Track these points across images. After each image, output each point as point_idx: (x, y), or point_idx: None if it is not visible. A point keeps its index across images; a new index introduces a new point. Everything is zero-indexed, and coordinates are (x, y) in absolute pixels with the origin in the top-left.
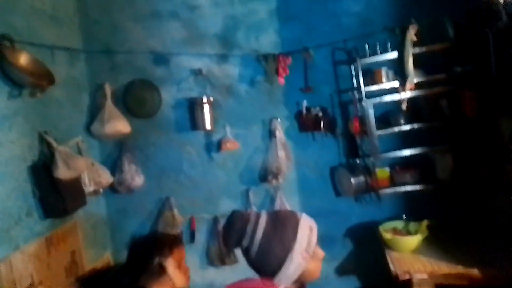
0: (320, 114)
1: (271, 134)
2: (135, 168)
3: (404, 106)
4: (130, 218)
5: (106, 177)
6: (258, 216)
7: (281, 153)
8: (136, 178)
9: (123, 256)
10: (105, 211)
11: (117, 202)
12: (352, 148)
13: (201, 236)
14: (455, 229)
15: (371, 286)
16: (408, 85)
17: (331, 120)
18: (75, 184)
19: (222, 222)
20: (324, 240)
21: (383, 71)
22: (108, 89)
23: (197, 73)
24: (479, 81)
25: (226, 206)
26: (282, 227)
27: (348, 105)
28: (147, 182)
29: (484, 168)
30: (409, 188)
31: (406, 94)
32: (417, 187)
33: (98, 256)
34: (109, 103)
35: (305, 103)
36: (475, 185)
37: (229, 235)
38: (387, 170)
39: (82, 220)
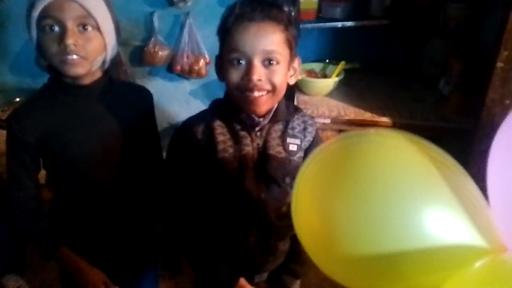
0: None
1: None
2: None
3: None
4: (11, 35)
5: None
6: None
7: None
8: None
9: (5, 78)
10: None
11: None
12: None
13: None
14: (379, 74)
15: None
16: None
17: None
18: None
19: None
20: None
21: None
22: None
23: None
24: None
25: (125, 32)
26: None
27: None
28: None
29: (422, 5)
30: (338, 24)
31: None
32: (347, 23)
33: None
34: None
35: None
36: (410, 26)
37: None
38: (314, 0)
39: None
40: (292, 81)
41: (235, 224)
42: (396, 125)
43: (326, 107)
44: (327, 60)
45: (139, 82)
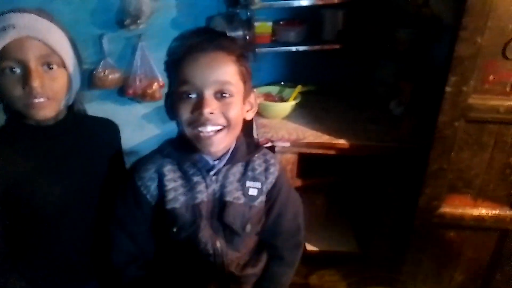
0: None
1: None
2: None
3: None
4: None
5: None
6: None
7: None
8: None
9: None
10: None
11: None
12: None
13: None
14: (333, 96)
15: None
16: None
17: None
18: None
19: None
20: None
21: None
22: None
23: None
24: None
25: None
26: None
27: None
28: None
29: (372, 30)
30: (292, 48)
31: None
32: (301, 47)
33: None
34: None
35: None
36: (361, 49)
37: None
38: (269, 24)
39: None
40: (249, 116)
41: (192, 276)
42: (353, 147)
43: (285, 130)
44: (283, 83)
45: (89, 106)
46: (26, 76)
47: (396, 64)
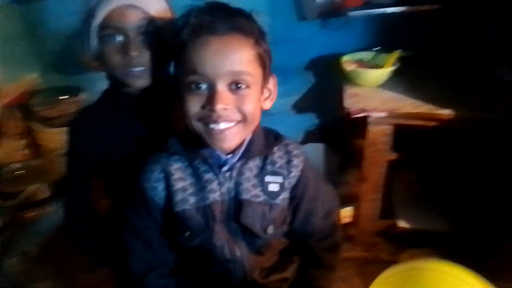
0: None
1: None
2: None
3: None
4: (52, 33)
5: None
6: None
7: None
8: None
9: (50, 76)
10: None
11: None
12: None
13: None
14: (432, 63)
15: (330, 125)
16: None
17: None
18: None
19: None
20: (279, 73)
21: None
22: None
23: None
24: None
25: None
26: None
27: None
28: None
29: None
30: (387, 9)
31: None
32: (397, 8)
33: None
34: None
35: None
36: (465, 9)
37: None
38: None
39: None
40: (267, 106)
41: (212, 284)
42: (459, 118)
43: (379, 99)
44: (377, 48)
45: None
46: (125, 45)
47: (504, 25)
